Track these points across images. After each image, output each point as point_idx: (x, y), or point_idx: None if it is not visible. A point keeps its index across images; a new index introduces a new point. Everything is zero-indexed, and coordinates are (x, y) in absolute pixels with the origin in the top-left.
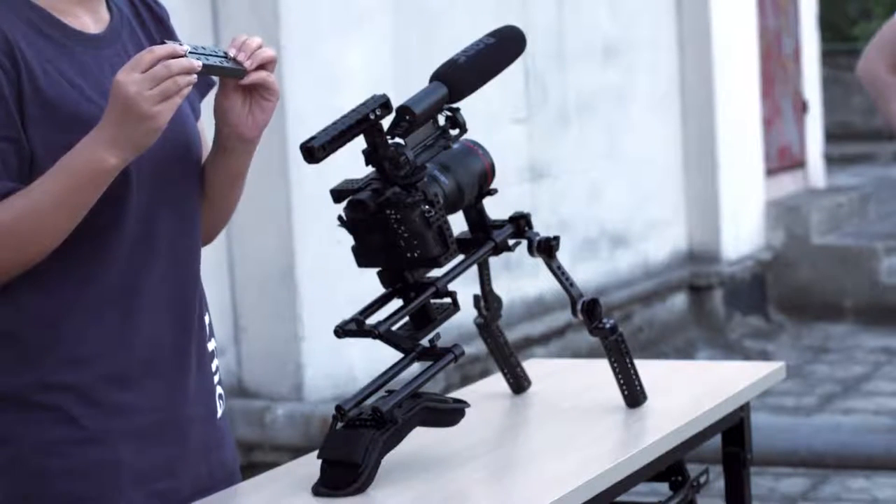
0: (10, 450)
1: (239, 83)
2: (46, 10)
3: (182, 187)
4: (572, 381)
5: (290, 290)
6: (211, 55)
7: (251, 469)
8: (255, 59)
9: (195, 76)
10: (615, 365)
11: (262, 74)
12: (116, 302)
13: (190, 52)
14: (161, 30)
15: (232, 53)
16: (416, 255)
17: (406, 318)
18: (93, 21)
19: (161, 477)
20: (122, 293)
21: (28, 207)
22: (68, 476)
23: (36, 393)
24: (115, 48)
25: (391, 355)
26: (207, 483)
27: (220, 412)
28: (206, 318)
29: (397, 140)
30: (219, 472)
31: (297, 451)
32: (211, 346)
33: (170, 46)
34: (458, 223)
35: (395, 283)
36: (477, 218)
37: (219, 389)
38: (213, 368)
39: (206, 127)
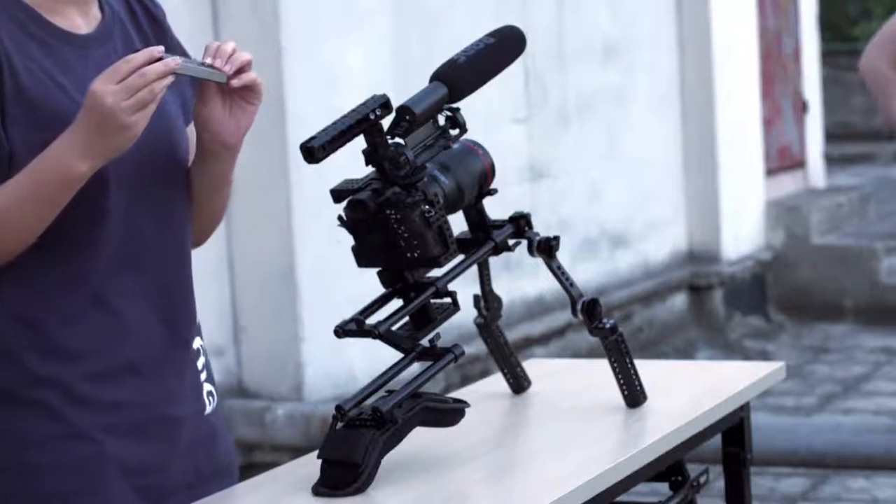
0: (0, 447)
1: (223, 87)
2: (34, 10)
3: (166, 188)
4: (572, 381)
5: (290, 290)
6: (190, 61)
7: (251, 469)
8: (234, 63)
9: (171, 78)
10: (615, 365)
11: (251, 76)
12: (100, 300)
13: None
14: (156, 29)
15: (208, 61)
16: (416, 255)
17: (406, 318)
18: (83, 20)
19: (149, 473)
20: (107, 292)
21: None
22: (56, 472)
23: (22, 389)
24: (105, 49)
25: (391, 355)
26: (197, 478)
27: (209, 409)
28: (195, 317)
29: (397, 140)
30: (208, 467)
31: (297, 451)
32: (196, 343)
33: (146, 52)
34: (458, 223)
35: (395, 283)
36: (477, 218)
37: (207, 387)
38: (200, 366)
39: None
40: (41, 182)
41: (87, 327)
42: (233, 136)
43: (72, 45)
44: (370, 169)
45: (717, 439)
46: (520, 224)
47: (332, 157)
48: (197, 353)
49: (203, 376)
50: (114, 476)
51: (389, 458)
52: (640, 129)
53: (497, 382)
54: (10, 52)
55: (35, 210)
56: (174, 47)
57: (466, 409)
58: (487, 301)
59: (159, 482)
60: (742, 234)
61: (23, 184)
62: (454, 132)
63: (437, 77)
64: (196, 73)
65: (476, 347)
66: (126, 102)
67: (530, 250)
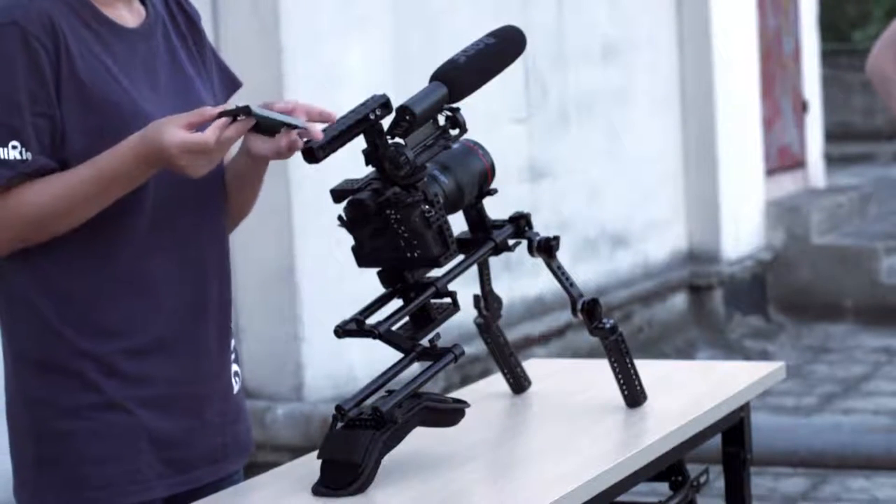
0: (39, 413)
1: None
2: (89, 1)
3: (202, 177)
4: (572, 381)
5: (290, 290)
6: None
7: (251, 469)
8: (313, 114)
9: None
10: (615, 365)
11: (293, 137)
12: (134, 280)
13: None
14: (194, 33)
15: (303, 118)
16: (416, 255)
17: (406, 318)
18: (129, 14)
19: (177, 446)
20: (140, 272)
21: (65, 192)
22: (90, 438)
23: (61, 360)
24: (148, 44)
25: (391, 355)
26: (220, 454)
27: (236, 388)
28: (229, 299)
29: (397, 140)
30: (232, 445)
31: (297, 451)
32: (231, 325)
33: (232, 132)
34: (458, 223)
35: (395, 283)
36: (477, 218)
37: (234, 367)
38: (232, 347)
39: None
40: (108, 180)
41: (122, 305)
42: (285, 156)
43: (121, 36)
44: (370, 169)
45: (717, 439)
46: (520, 224)
47: (332, 157)
48: (230, 335)
49: (232, 357)
50: (144, 446)
51: (389, 458)
52: (640, 129)
53: (497, 382)
54: (68, 39)
55: (97, 202)
56: (207, 49)
57: (466, 409)
58: (487, 301)
59: (185, 455)
60: (742, 234)
61: (88, 178)
62: (454, 132)
63: (437, 77)
64: (283, 126)
65: (476, 347)
66: (208, 168)
67: (530, 250)
